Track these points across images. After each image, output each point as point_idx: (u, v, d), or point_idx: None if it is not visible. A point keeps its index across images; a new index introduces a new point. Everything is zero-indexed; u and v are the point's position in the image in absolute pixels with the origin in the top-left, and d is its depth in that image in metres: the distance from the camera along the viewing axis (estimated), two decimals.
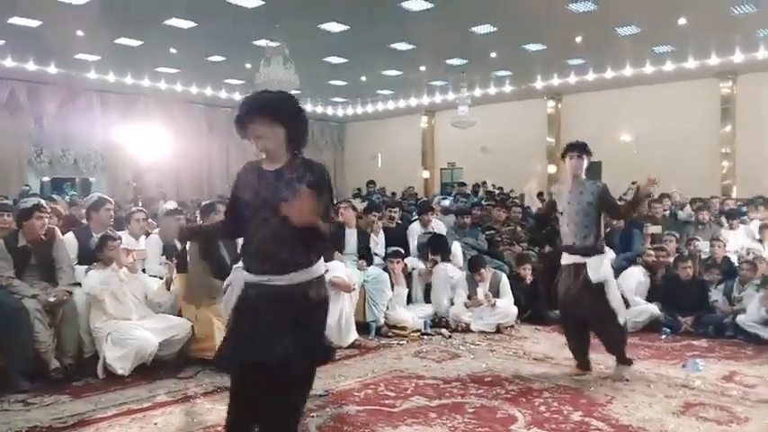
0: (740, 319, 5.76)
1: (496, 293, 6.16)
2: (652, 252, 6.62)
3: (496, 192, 13.50)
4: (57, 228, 4.95)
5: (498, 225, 7.70)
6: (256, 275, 2.47)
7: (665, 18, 11.03)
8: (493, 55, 13.64)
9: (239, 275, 2.59)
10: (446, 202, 10.49)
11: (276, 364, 2.36)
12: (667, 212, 8.62)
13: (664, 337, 5.88)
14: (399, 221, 7.44)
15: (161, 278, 4.99)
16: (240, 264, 2.64)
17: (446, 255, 6.48)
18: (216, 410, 3.76)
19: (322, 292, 2.53)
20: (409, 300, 6.29)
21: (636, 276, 6.38)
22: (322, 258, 2.58)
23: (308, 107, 19.96)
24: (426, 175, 20.63)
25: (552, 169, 17.70)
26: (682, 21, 11.18)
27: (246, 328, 2.45)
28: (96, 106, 16.67)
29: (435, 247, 6.43)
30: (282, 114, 2.47)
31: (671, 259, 6.58)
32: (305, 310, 2.46)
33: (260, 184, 2.51)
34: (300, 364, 2.44)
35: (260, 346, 2.37)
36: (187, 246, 4.99)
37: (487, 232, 7.53)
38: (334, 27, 11.57)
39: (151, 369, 4.48)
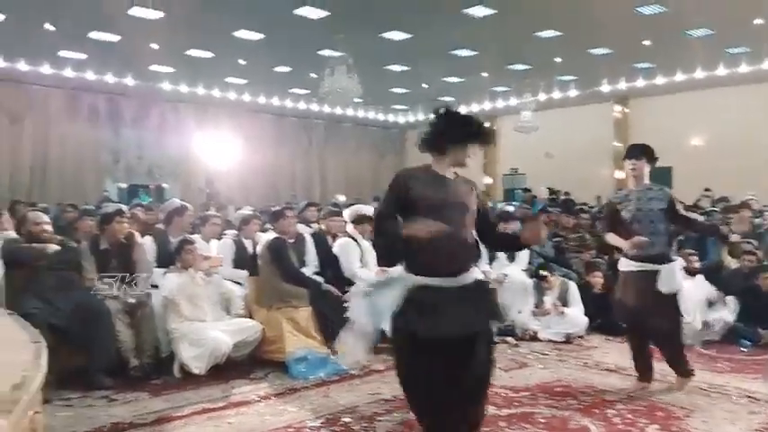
0: None
1: (565, 302, 6.02)
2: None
3: (561, 198, 13.17)
4: (136, 232, 5.15)
5: (566, 232, 7.52)
6: (436, 276, 2.70)
7: (740, 18, 10.52)
8: (557, 59, 13.37)
9: (403, 278, 2.75)
10: (510, 209, 10.31)
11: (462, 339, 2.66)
12: None
13: (743, 349, 5.57)
14: None
15: (235, 282, 5.12)
16: (399, 267, 2.81)
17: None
18: (287, 412, 3.80)
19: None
20: None
21: (704, 288, 6.06)
22: None
23: (369, 114, 20.20)
24: (488, 180, 20.41)
25: (620, 174, 17.16)
26: (758, 21, 10.65)
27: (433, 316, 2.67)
28: (170, 116, 17.31)
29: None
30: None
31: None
32: (478, 300, 2.76)
33: (442, 187, 2.80)
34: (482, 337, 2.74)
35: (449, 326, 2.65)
36: (257, 249, 5.09)
37: (554, 239, 7.37)
38: (396, 35, 11.62)
39: (224, 369, 4.58)
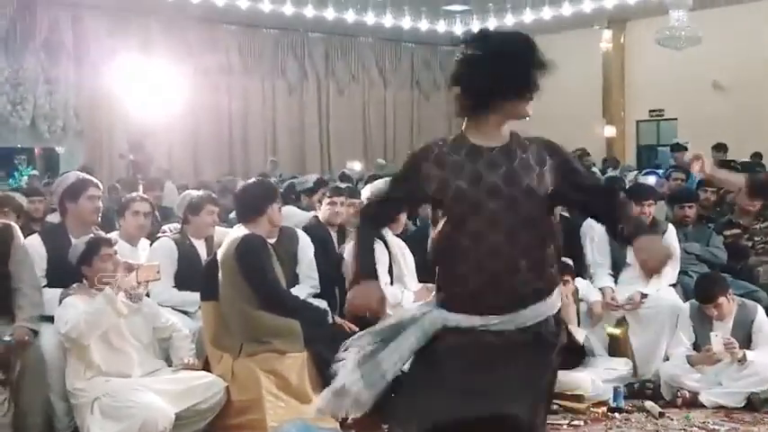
0: None
1: (746, 340, 5.98)
2: None
3: (739, 162, 13.02)
4: (14, 225, 5.24)
5: (748, 219, 7.44)
6: (479, 315, 2.86)
7: None
8: None
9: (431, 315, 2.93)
10: (651, 180, 10.24)
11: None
12: None
13: None
14: (565, 212, 7.35)
15: (180, 311, 5.19)
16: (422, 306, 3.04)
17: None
18: None
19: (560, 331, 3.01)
20: None
21: None
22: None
23: (403, 22, 20.13)
24: (610, 131, 20.24)
25: None
26: None
27: (462, 385, 2.86)
28: (66, 30, 17.41)
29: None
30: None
31: None
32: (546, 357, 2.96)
33: (478, 166, 2.90)
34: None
35: (484, 401, 2.82)
36: (218, 255, 5.15)
37: (728, 232, 7.30)
38: None
39: None
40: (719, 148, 13.73)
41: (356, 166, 17.29)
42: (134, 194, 6.50)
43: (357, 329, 5.14)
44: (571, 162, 3.08)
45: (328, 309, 5.40)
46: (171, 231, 6.03)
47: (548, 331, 2.91)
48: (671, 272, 6.66)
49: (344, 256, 5.81)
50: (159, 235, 6.01)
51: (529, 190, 2.86)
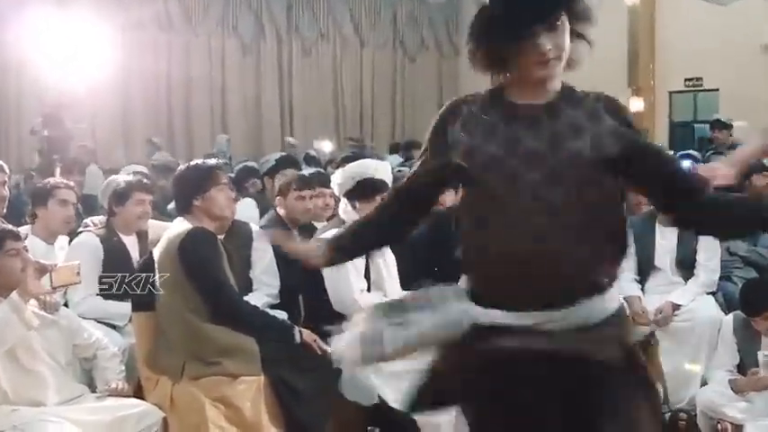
0: None
1: None
2: None
3: None
4: None
5: None
6: (515, 312, 2.82)
7: None
8: None
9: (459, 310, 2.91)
10: (686, 165, 10.30)
11: None
12: None
13: None
14: None
15: (107, 324, 5.18)
16: (459, 288, 3.01)
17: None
18: None
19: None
20: None
21: None
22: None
23: None
24: (638, 105, 20.28)
25: None
26: None
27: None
28: None
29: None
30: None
31: None
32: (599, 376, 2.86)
33: (516, 129, 2.87)
34: None
35: None
36: (155, 256, 5.12)
37: None
38: None
39: None
40: (719, 125, 13.58)
41: (325, 146, 17.20)
42: (57, 180, 6.43)
43: (328, 349, 5.17)
44: (638, 134, 3.12)
45: (294, 325, 5.36)
46: (95, 225, 5.99)
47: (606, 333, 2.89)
48: (712, 271, 6.68)
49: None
50: (80, 230, 5.98)
51: (575, 155, 2.82)
